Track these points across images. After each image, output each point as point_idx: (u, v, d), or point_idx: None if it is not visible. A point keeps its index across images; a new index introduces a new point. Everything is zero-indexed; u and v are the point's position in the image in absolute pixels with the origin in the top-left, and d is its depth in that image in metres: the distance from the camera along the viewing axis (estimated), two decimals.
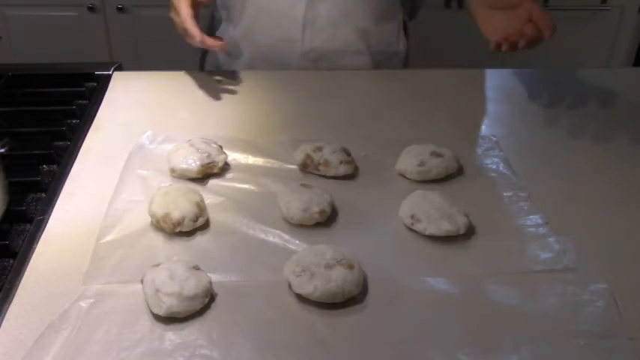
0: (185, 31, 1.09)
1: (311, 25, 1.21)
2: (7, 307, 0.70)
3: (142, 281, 0.72)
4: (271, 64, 1.26)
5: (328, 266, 0.73)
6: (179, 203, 0.81)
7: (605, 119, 1.12)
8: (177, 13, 1.09)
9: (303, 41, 1.23)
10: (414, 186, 0.92)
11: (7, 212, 0.81)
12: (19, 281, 0.74)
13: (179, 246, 0.80)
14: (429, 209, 0.83)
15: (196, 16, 1.09)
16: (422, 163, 0.93)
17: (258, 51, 1.26)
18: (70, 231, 0.82)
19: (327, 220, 0.84)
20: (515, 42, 1.05)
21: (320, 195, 0.85)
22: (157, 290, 0.69)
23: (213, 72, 1.26)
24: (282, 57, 1.25)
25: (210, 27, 1.32)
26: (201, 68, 1.36)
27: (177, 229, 0.81)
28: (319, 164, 0.93)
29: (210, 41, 1.10)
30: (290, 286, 0.73)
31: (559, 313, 0.72)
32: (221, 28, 1.29)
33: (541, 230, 0.84)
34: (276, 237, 0.82)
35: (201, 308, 0.70)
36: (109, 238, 0.80)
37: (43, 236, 0.81)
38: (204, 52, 1.36)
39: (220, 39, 1.15)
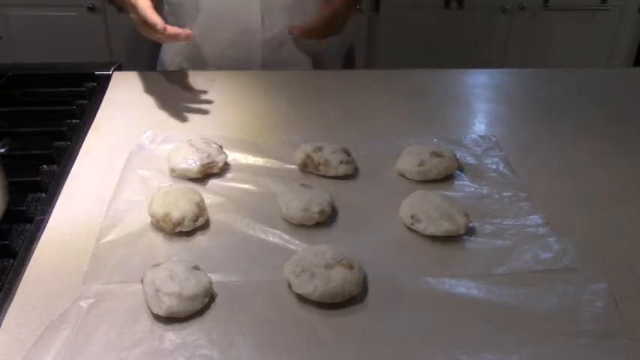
0: (144, 23, 1.01)
1: (268, 14, 1.24)
2: (7, 307, 0.70)
3: (142, 281, 0.72)
4: (233, 59, 1.27)
5: (328, 266, 0.73)
6: (179, 203, 0.81)
7: (605, 119, 1.12)
8: (134, 8, 1.01)
9: (263, 31, 1.25)
10: (414, 186, 0.92)
11: (7, 212, 0.81)
12: (19, 281, 0.74)
13: (179, 246, 0.80)
14: (429, 209, 0.83)
15: (155, 8, 1.02)
16: (422, 163, 0.93)
17: (218, 46, 1.27)
18: (70, 231, 0.82)
19: (327, 220, 0.84)
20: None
21: (320, 195, 0.85)
22: (157, 290, 0.69)
23: (213, 72, 1.26)
24: (244, 49, 1.27)
25: None
26: (153, 68, 1.36)
27: (177, 229, 0.81)
28: (319, 164, 0.93)
29: (173, 30, 1.02)
30: (290, 286, 0.73)
31: (559, 313, 0.72)
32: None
33: (541, 230, 0.84)
34: (276, 237, 0.82)
35: (201, 308, 0.70)
36: (109, 238, 0.80)
37: (43, 236, 0.81)
38: (154, 51, 1.36)
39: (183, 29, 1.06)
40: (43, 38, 2.12)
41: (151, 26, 1.01)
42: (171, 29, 1.02)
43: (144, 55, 2.15)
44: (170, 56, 1.34)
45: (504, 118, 1.14)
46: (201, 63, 1.29)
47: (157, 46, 1.37)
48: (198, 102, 1.14)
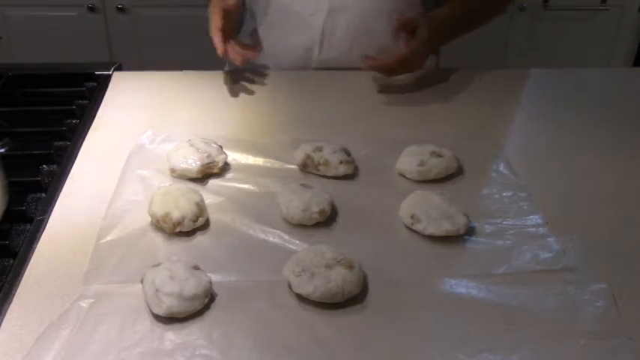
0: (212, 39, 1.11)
1: (330, 35, 1.22)
2: (7, 307, 0.70)
3: (141, 281, 0.72)
4: (287, 69, 1.26)
5: (328, 266, 0.73)
6: (179, 203, 0.81)
7: (605, 119, 1.12)
8: (212, 19, 1.11)
9: (320, 50, 1.23)
10: (414, 186, 0.92)
11: (7, 212, 0.81)
12: (19, 281, 0.74)
13: (179, 246, 0.80)
14: (429, 209, 0.83)
15: (230, 25, 1.12)
16: (422, 163, 0.93)
17: (275, 53, 1.26)
18: (70, 231, 0.82)
19: (327, 220, 0.84)
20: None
21: (320, 195, 0.85)
22: (157, 290, 0.69)
23: (213, 72, 1.26)
24: (298, 63, 1.25)
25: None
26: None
27: (177, 229, 0.81)
28: (319, 164, 0.93)
29: (232, 54, 1.10)
30: (290, 286, 0.73)
31: (559, 313, 0.72)
32: (246, 24, 1.29)
33: (541, 230, 0.84)
34: (276, 237, 0.82)
35: (201, 308, 0.70)
36: (109, 238, 0.80)
37: (43, 236, 0.81)
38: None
39: (250, 48, 1.16)
40: (43, 38, 2.13)
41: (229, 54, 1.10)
42: (230, 54, 1.10)
43: (144, 55, 2.16)
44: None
45: (504, 118, 1.14)
46: (256, 67, 1.28)
47: None
48: (199, 102, 1.14)
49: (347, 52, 1.22)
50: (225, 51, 1.09)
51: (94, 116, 1.08)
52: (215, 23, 1.10)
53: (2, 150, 0.97)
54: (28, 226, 0.82)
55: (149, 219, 0.83)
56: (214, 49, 1.09)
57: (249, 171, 0.94)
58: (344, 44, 1.22)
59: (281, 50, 1.26)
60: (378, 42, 1.22)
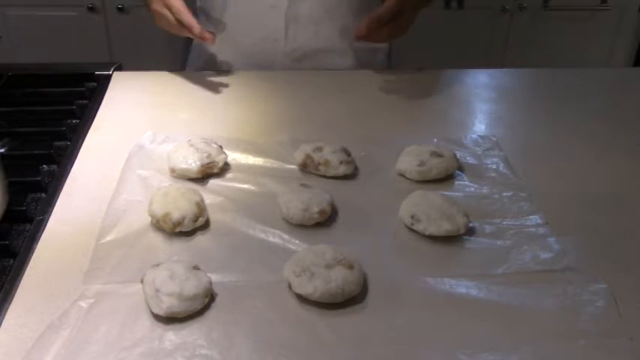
0: (179, 23, 1.07)
1: (293, 24, 1.22)
2: (7, 307, 0.70)
3: (142, 281, 0.72)
4: (254, 65, 1.26)
5: (328, 266, 0.73)
6: (179, 203, 0.81)
7: (605, 119, 1.12)
8: (169, 6, 1.07)
9: (286, 40, 1.23)
10: (414, 186, 0.92)
11: (7, 212, 0.81)
12: (19, 281, 0.74)
13: (179, 246, 0.80)
14: (429, 209, 0.83)
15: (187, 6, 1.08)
16: (422, 163, 0.93)
17: (240, 52, 1.26)
18: (70, 231, 0.82)
19: (327, 220, 0.84)
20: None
21: (320, 195, 0.85)
22: (157, 290, 0.69)
23: (212, 72, 1.26)
24: (265, 57, 1.25)
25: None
26: (182, 68, 1.37)
27: (177, 229, 0.81)
28: (319, 164, 0.93)
29: (208, 34, 1.08)
30: (290, 286, 0.73)
31: (559, 313, 0.72)
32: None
33: (541, 230, 0.84)
34: (276, 237, 0.82)
35: (201, 308, 0.70)
36: (109, 238, 0.80)
37: (43, 236, 0.81)
38: (185, 52, 1.36)
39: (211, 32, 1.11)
40: (43, 38, 2.13)
41: (185, 27, 1.06)
42: (206, 33, 1.07)
43: (144, 55, 2.16)
44: (193, 58, 1.34)
45: (504, 118, 1.14)
46: (221, 66, 1.28)
47: (185, 47, 1.38)
48: (199, 102, 1.14)
49: (312, 38, 1.23)
50: (202, 31, 1.06)
51: (94, 116, 1.08)
52: (177, 6, 1.06)
53: (2, 150, 0.97)
54: (28, 226, 0.82)
55: (149, 219, 0.83)
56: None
57: (249, 171, 0.94)
58: (309, 31, 1.23)
59: (246, 49, 1.25)
60: (342, 22, 1.24)
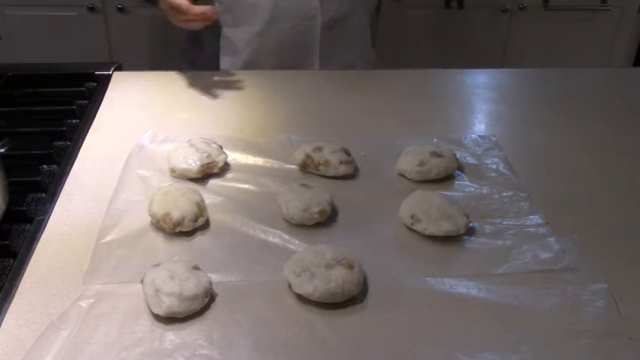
0: (171, 8, 1.07)
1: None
2: (7, 307, 0.70)
3: (142, 281, 0.72)
4: (295, 45, 1.29)
5: (328, 266, 0.73)
6: (179, 203, 0.81)
7: (605, 119, 1.12)
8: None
9: (322, 15, 1.27)
10: (414, 186, 0.92)
11: (7, 212, 0.81)
12: (19, 281, 0.74)
13: (179, 246, 0.80)
14: (429, 209, 0.83)
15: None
16: (422, 163, 0.93)
17: (280, 39, 1.28)
18: (70, 231, 0.82)
19: (327, 220, 0.84)
20: None
21: (320, 195, 0.85)
22: (157, 290, 0.69)
23: (212, 72, 1.26)
24: (305, 37, 1.29)
25: (193, 38, 1.33)
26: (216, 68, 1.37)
27: (177, 229, 0.81)
28: (319, 164, 0.93)
29: (198, 8, 1.07)
30: (290, 286, 0.73)
31: (559, 313, 0.72)
32: (224, 36, 1.29)
33: (541, 230, 0.84)
34: (276, 237, 0.82)
35: (201, 308, 0.70)
36: (109, 238, 0.80)
37: (43, 236, 0.81)
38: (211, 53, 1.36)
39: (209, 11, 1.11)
40: (43, 38, 2.12)
41: (176, 9, 1.06)
42: (197, 8, 1.07)
43: (144, 55, 2.16)
44: (229, 60, 1.34)
45: (504, 118, 1.14)
46: (262, 55, 1.30)
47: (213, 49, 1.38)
48: (199, 102, 1.14)
49: (339, 5, 1.29)
50: (190, 7, 1.06)
51: (94, 116, 1.08)
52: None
53: (2, 150, 0.97)
54: (28, 226, 0.82)
55: (149, 219, 0.83)
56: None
57: (249, 171, 0.94)
58: (336, 0, 1.28)
59: (287, 34, 1.28)
60: None
